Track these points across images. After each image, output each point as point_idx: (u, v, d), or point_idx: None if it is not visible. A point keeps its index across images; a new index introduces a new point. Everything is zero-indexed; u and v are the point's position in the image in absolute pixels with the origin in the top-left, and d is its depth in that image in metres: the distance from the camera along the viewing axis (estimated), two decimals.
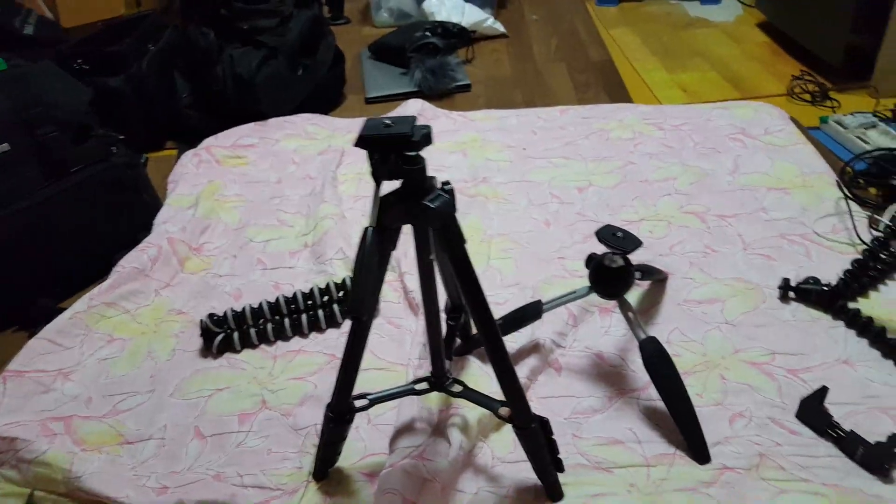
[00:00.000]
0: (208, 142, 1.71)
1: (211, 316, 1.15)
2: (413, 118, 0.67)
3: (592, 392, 1.00)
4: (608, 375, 1.02)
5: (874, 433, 0.89)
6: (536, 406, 0.99)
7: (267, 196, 1.52)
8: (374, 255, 0.66)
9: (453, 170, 1.55)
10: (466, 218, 1.37)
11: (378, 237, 0.71)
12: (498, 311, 1.13)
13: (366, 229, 0.67)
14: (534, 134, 1.66)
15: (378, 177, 0.66)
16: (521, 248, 1.30)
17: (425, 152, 0.67)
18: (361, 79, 2.05)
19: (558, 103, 1.81)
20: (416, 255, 0.79)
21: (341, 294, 1.18)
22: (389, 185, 0.69)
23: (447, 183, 0.73)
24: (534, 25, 2.39)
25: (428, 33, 2.02)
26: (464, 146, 1.63)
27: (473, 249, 1.29)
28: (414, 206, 0.69)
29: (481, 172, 1.52)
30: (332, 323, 1.16)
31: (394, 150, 0.66)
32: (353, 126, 1.73)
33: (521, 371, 1.02)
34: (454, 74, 1.94)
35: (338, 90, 1.96)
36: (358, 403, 0.88)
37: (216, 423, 1.01)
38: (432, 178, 0.72)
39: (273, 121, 1.77)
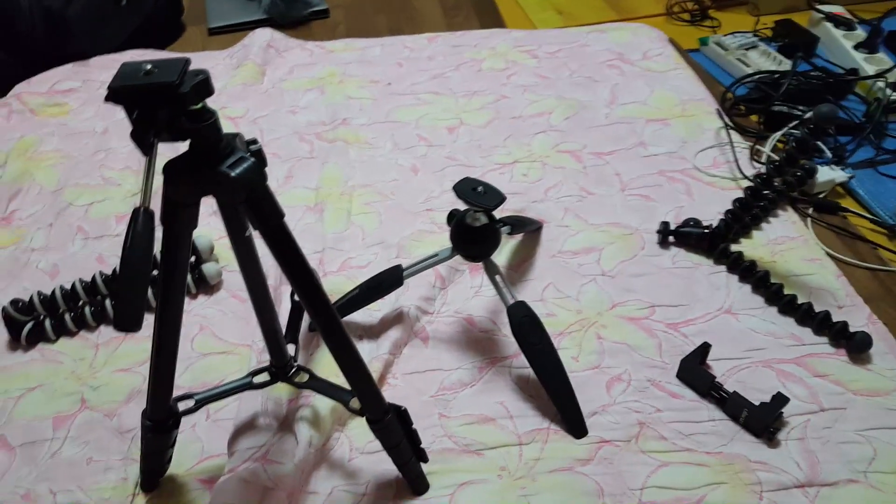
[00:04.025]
0: (19, 88, 1.46)
1: (14, 302, 0.97)
2: (184, 61, 0.50)
3: (461, 363, 0.90)
4: (479, 342, 0.92)
5: (760, 390, 0.83)
6: (401, 384, 0.88)
7: (91, 150, 1.30)
8: (144, 247, 0.50)
9: (309, 111, 1.37)
10: (325, 167, 1.22)
11: (168, 220, 0.56)
12: (361, 274, 1.00)
13: (135, 212, 0.50)
14: (400, 66, 1.50)
15: (142, 140, 0.49)
16: (385, 199, 1.16)
17: (220, 99, 0.51)
18: (203, 6, 1.79)
19: (426, 30, 1.64)
20: (228, 233, 0.64)
21: None
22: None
23: (254, 142, 0.58)
24: None
25: None
26: (321, 82, 1.45)
27: (333, 205, 1.15)
28: (207, 174, 0.54)
29: (341, 113, 1.36)
30: None
31: (161, 105, 0.50)
32: (195, 62, 1.50)
33: (384, 346, 0.91)
34: None
35: (174, 21, 1.70)
36: (182, 406, 0.75)
37: (26, 429, 0.86)
38: (234, 135, 0.56)
39: (97, 60, 1.52)
